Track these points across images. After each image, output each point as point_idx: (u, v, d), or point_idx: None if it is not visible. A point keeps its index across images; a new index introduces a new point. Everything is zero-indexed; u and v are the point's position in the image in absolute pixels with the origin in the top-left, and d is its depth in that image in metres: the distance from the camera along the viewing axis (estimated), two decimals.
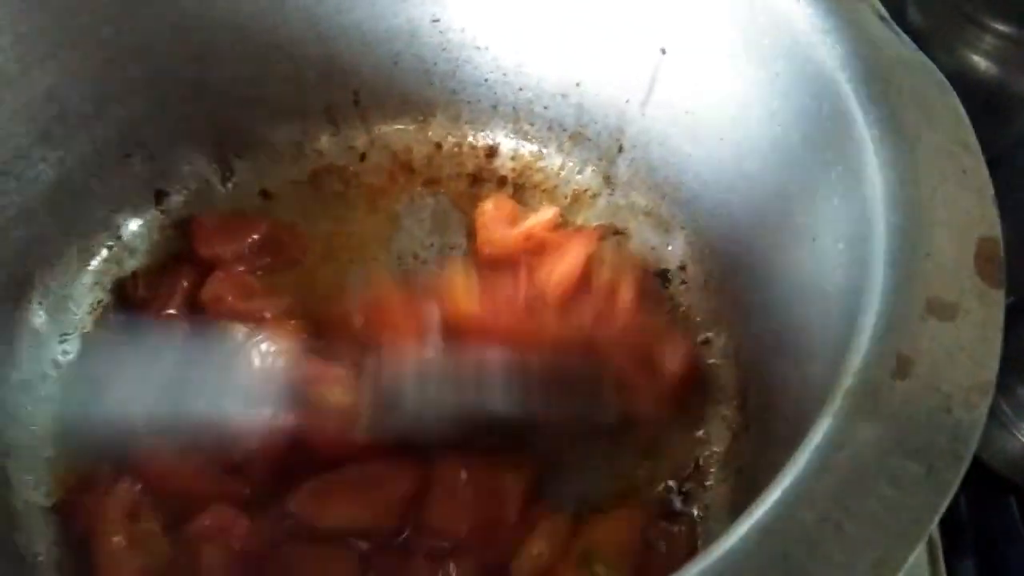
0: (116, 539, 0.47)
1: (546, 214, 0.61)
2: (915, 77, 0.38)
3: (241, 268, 0.57)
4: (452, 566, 0.46)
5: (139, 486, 0.48)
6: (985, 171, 0.34)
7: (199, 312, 0.55)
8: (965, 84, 0.62)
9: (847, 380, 0.29)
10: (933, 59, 0.63)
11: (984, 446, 0.58)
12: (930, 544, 0.50)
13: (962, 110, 0.37)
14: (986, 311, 0.31)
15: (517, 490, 0.48)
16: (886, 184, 0.34)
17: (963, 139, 0.35)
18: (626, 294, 0.55)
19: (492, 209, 0.61)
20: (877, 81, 0.38)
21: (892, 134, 0.36)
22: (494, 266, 0.58)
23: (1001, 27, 0.59)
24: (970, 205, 0.34)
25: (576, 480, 0.50)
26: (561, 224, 0.61)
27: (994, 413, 0.55)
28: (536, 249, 0.58)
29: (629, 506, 0.49)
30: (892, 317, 0.30)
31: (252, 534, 0.47)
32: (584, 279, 0.56)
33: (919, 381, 0.29)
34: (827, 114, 0.40)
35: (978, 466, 0.58)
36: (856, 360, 0.30)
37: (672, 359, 0.52)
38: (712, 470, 0.51)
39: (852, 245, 0.36)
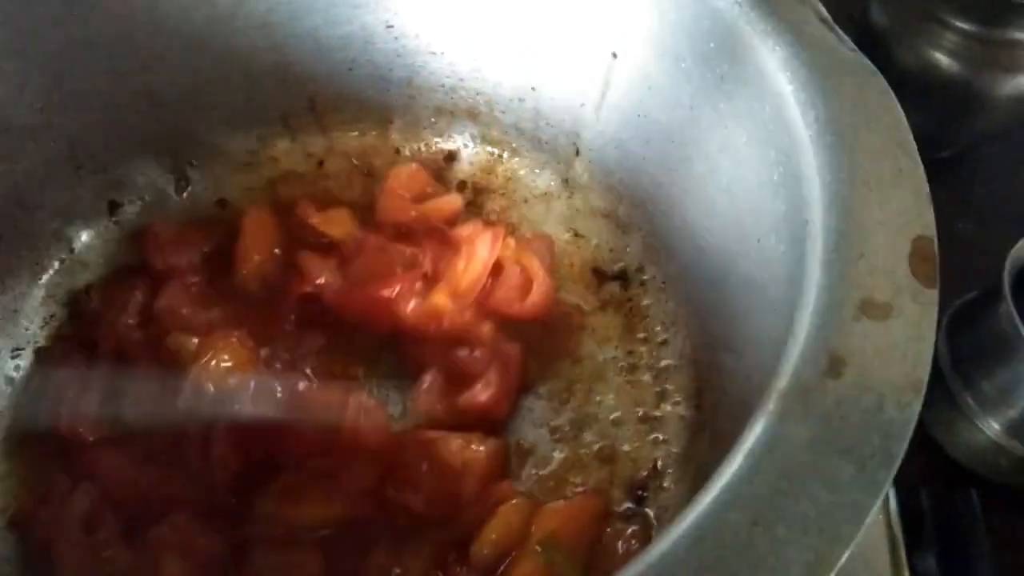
0: (75, 550, 0.46)
1: (449, 200, 0.61)
2: (854, 79, 0.38)
3: (195, 279, 0.56)
4: (412, 552, 0.47)
5: (96, 495, 0.48)
6: (921, 171, 0.35)
7: (153, 323, 0.55)
8: (928, 82, 0.63)
9: (781, 381, 0.29)
10: (896, 57, 0.64)
11: (948, 439, 0.58)
12: (891, 538, 0.50)
13: (900, 111, 0.37)
14: (920, 310, 0.31)
15: (477, 467, 0.49)
16: (823, 185, 0.35)
17: (900, 140, 0.36)
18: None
19: (404, 178, 0.61)
20: (816, 83, 0.38)
21: (829, 135, 0.36)
22: (390, 234, 0.58)
23: (963, 25, 0.60)
24: (906, 205, 0.34)
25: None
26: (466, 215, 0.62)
27: (958, 406, 0.56)
28: (437, 236, 0.58)
29: (588, 495, 0.49)
30: (825, 318, 0.31)
31: (213, 541, 0.47)
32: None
33: (851, 381, 0.29)
34: (769, 115, 0.40)
35: (939, 459, 0.59)
36: (790, 361, 0.30)
37: None
38: (670, 470, 0.51)
39: (792, 246, 0.36)
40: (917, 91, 0.62)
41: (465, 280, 0.55)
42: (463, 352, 0.54)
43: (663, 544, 0.26)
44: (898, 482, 0.50)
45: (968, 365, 0.56)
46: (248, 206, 0.60)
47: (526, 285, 0.56)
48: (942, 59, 0.62)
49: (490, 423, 0.53)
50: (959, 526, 0.55)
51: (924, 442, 0.59)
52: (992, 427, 0.55)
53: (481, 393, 0.52)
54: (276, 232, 0.59)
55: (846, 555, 0.26)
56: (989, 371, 0.55)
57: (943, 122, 0.67)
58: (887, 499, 0.50)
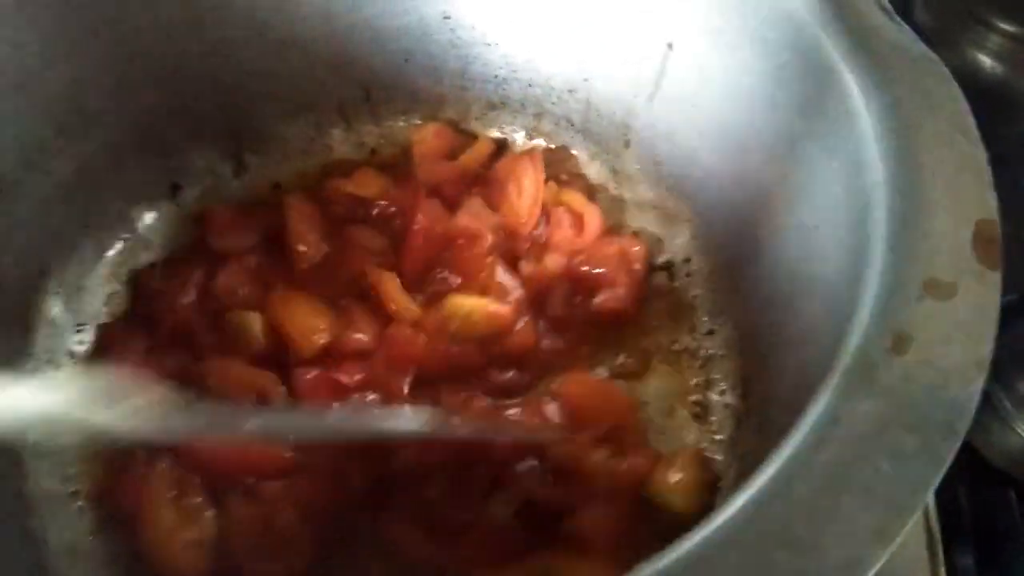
0: (165, 517, 0.48)
1: (481, 146, 0.63)
2: (915, 66, 0.39)
3: (252, 259, 0.58)
4: None
5: (177, 463, 0.49)
6: (983, 156, 0.35)
7: (211, 302, 0.56)
8: (971, 83, 0.62)
9: (845, 358, 0.30)
10: (940, 58, 0.64)
11: (984, 441, 0.58)
12: (930, 538, 0.50)
13: (962, 98, 0.38)
14: (983, 291, 0.31)
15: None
16: (886, 171, 0.35)
17: (962, 126, 0.36)
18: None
19: (431, 138, 0.63)
20: (878, 70, 0.38)
21: (892, 122, 0.36)
22: (437, 194, 0.60)
23: (1007, 26, 0.60)
24: (968, 189, 0.34)
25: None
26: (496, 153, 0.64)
27: (995, 408, 0.56)
28: (478, 181, 0.61)
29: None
30: (890, 297, 0.31)
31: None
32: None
33: (916, 358, 0.29)
34: (830, 103, 0.40)
35: (978, 460, 0.59)
36: (854, 339, 0.30)
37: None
38: (717, 458, 0.51)
39: (852, 231, 0.36)
40: None
41: (524, 208, 0.58)
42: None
43: (729, 509, 0.27)
44: None
45: (1005, 367, 0.56)
46: (285, 195, 0.61)
47: (577, 220, 0.59)
48: (985, 60, 0.62)
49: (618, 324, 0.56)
50: (996, 524, 0.54)
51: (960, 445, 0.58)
52: None
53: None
54: (319, 213, 0.60)
55: (910, 524, 0.26)
56: None
57: (986, 124, 0.67)
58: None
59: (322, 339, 0.53)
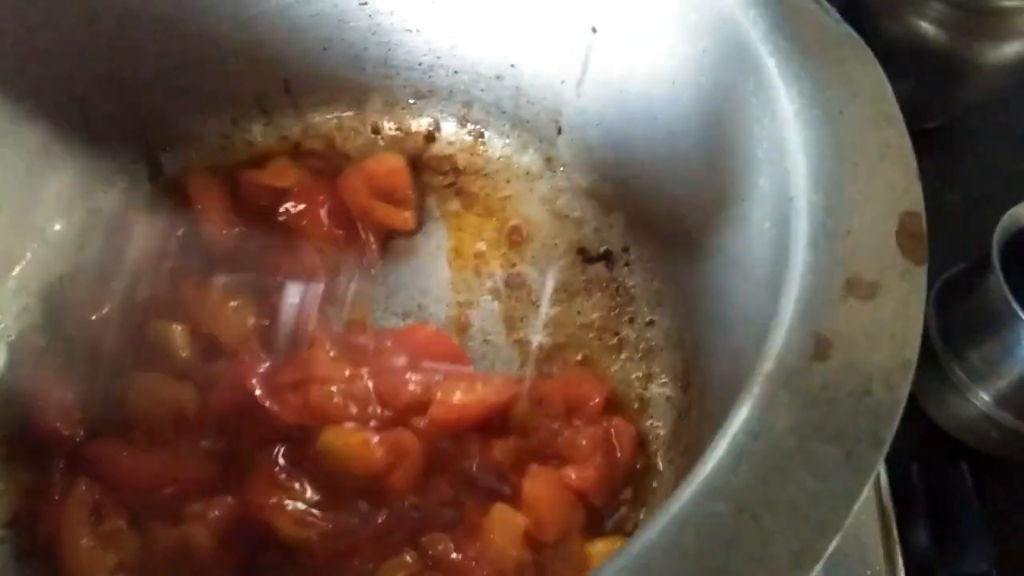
0: (84, 541, 0.46)
1: (403, 218, 0.59)
2: (839, 50, 0.37)
3: (170, 264, 0.55)
4: None
5: (96, 488, 0.47)
6: (908, 145, 0.34)
7: (133, 314, 0.54)
8: (915, 51, 0.62)
9: (766, 364, 0.28)
10: (882, 27, 0.63)
11: (938, 411, 0.58)
12: (882, 512, 0.50)
13: (886, 83, 0.36)
14: (908, 288, 0.30)
15: None
16: (808, 160, 0.34)
17: (887, 112, 0.35)
18: None
19: (382, 169, 0.60)
20: (799, 54, 0.37)
21: (814, 108, 0.35)
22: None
23: None
24: (893, 180, 0.33)
25: None
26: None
27: (947, 378, 0.56)
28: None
29: None
30: (811, 297, 0.30)
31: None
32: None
33: (838, 363, 0.28)
34: (752, 89, 0.39)
35: (930, 432, 0.59)
36: (775, 343, 0.29)
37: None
38: (659, 452, 0.50)
39: (777, 224, 0.35)
40: (904, 61, 0.61)
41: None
42: None
43: (645, 535, 0.25)
44: (888, 456, 0.49)
45: (957, 337, 0.56)
46: (187, 174, 0.59)
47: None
48: (928, 28, 0.61)
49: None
50: (951, 499, 0.54)
51: (914, 415, 0.59)
52: (982, 398, 0.55)
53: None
54: (229, 195, 0.58)
55: (834, 543, 0.25)
56: (978, 343, 0.55)
57: (930, 92, 0.66)
58: (877, 474, 0.50)
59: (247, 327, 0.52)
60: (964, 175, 0.72)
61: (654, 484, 0.49)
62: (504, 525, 0.44)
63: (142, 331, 0.53)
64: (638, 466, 0.50)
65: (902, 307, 0.30)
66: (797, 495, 0.26)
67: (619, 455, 0.48)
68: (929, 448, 0.59)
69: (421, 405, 0.49)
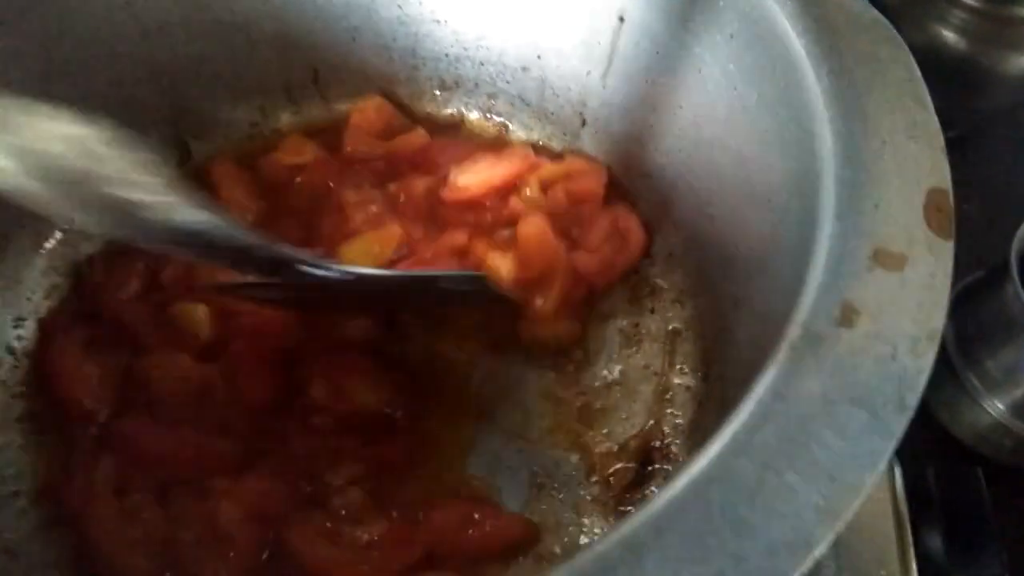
0: (110, 517, 0.46)
1: (416, 136, 0.61)
2: (866, 32, 0.38)
3: None
4: None
5: (122, 462, 0.48)
6: (936, 123, 0.34)
7: (158, 294, 0.54)
8: (935, 59, 0.62)
9: (793, 331, 0.29)
10: (903, 33, 0.63)
11: (953, 419, 0.58)
12: (897, 516, 0.49)
13: (914, 64, 0.37)
14: (935, 261, 0.30)
15: None
16: (836, 138, 0.34)
17: (914, 92, 0.35)
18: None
19: (370, 112, 0.62)
20: (827, 36, 0.37)
21: (842, 88, 0.35)
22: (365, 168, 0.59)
23: (970, 1, 0.59)
24: (920, 156, 0.33)
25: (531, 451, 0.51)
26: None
27: (962, 385, 0.55)
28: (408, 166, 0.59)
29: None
30: (838, 267, 0.30)
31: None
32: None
33: (864, 330, 0.28)
34: (780, 72, 0.39)
35: (946, 439, 0.58)
36: (802, 312, 0.29)
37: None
38: (677, 440, 0.50)
39: (802, 201, 0.35)
40: (924, 68, 0.61)
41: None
42: None
43: (672, 490, 0.26)
44: (904, 461, 0.49)
45: (973, 345, 0.55)
46: (212, 162, 0.60)
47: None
48: (949, 36, 0.61)
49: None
50: (965, 505, 0.54)
51: (928, 423, 0.58)
52: (997, 407, 0.55)
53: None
54: (252, 179, 0.59)
55: (858, 503, 0.25)
56: (994, 351, 0.54)
57: (950, 100, 0.65)
58: (893, 477, 0.50)
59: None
60: (982, 185, 0.72)
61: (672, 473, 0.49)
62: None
63: (167, 311, 0.53)
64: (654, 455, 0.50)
65: (928, 278, 0.30)
66: (822, 454, 0.26)
67: (625, 245, 0.55)
68: (943, 455, 0.58)
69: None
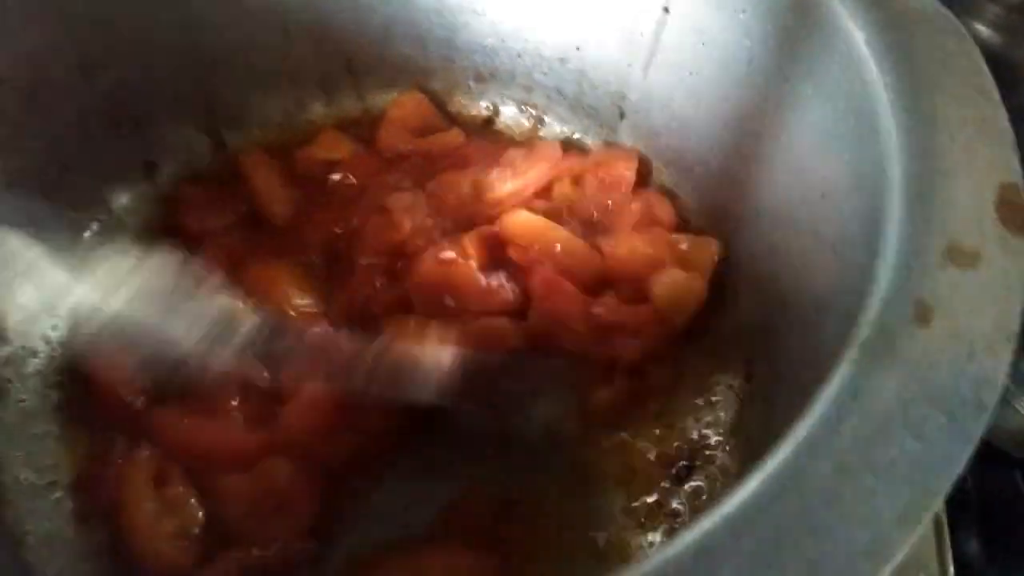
0: (147, 506, 0.46)
1: (451, 135, 0.60)
2: (930, 25, 0.37)
3: (231, 239, 0.56)
4: None
5: (159, 453, 0.47)
6: (1005, 117, 0.33)
7: None
8: None
9: (864, 330, 0.28)
10: None
11: None
12: (935, 520, 0.48)
13: (980, 57, 0.36)
14: (1009, 258, 0.29)
15: None
16: (902, 132, 0.33)
17: (981, 86, 0.34)
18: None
19: (409, 107, 0.61)
20: (891, 30, 0.36)
21: (908, 82, 0.34)
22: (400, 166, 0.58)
23: None
24: (990, 151, 0.32)
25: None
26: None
27: None
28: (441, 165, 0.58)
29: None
30: (910, 266, 0.29)
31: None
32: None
33: (940, 329, 0.27)
34: (839, 66, 0.38)
35: (983, 441, 0.57)
36: (873, 310, 0.28)
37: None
38: (720, 440, 0.50)
39: (865, 199, 0.34)
40: None
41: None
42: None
43: (742, 494, 0.25)
44: None
45: None
46: (239, 154, 0.60)
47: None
48: (983, 31, 0.60)
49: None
50: (1004, 508, 0.53)
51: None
52: None
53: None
54: (287, 171, 0.59)
55: (937, 505, 0.25)
56: None
57: None
58: None
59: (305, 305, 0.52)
60: None
61: (715, 473, 0.48)
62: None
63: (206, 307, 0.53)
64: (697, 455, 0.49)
65: (1003, 276, 0.29)
66: (899, 457, 0.25)
67: (660, 224, 0.54)
68: (981, 457, 0.57)
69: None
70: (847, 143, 0.37)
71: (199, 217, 0.57)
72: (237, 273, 0.54)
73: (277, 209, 0.57)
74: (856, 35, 0.37)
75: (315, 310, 0.52)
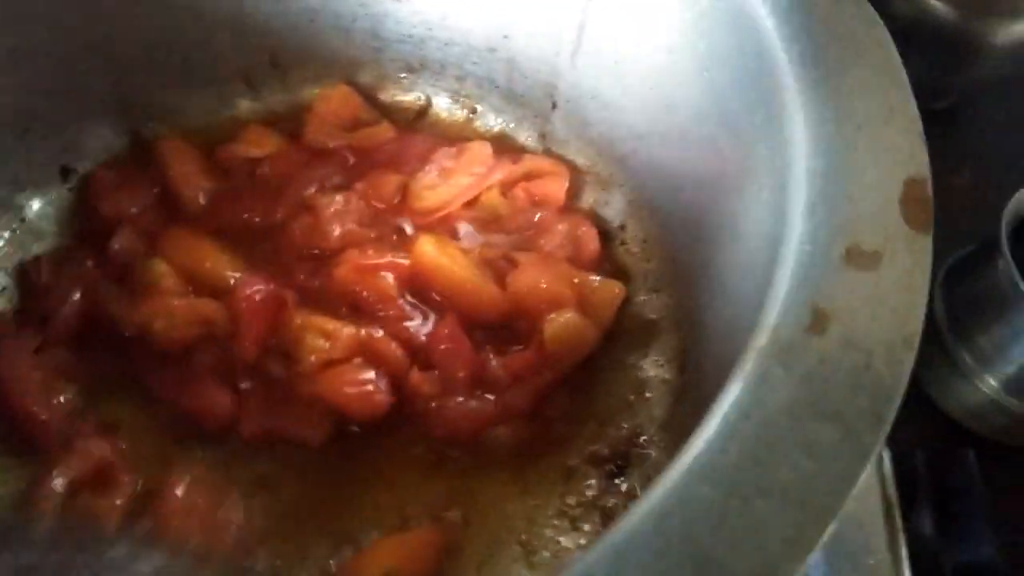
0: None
1: (380, 130, 0.58)
2: (840, 10, 0.35)
3: (146, 220, 0.54)
4: None
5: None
6: (914, 108, 0.32)
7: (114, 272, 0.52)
8: (923, 29, 0.60)
9: (760, 338, 0.27)
10: (890, 2, 0.61)
11: (944, 396, 0.57)
12: (886, 500, 0.48)
13: (891, 44, 0.34)
14: (912, 258, 0.28)
15: None
16: (807, 124, 0.32)
17: (891, 74, 0.33)
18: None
19: (336, 101, 0.59)
20: (798, 14, 0.35)
21: (814, 71, 0.33)
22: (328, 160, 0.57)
23: None
24: (898, 144, 0.31)
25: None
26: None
27: (955, 363, 0.54)
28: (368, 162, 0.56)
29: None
30: (808, 268, 0.28)
31: None
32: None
33: (836, 337, 0.26)
34: (751, 53, 0.37)
35: (935, 417, 0.57)
36: (769, 316, 0.27)
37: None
38: (654, 437, 0.49)
39: (774, 193, 0.33)
40: (912, 39, 0.59)
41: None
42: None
43: (628, 521, 0.24)
44: (892, 443, 0.47)
45: (964, 321, 0.54)
46: (157, 140, 0.58)
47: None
48: (938, 5, 0.59)
49: None
50: (956, 487, 0.53)
51: (919, 400, 0.57)
52: (989, 384, 0.54)
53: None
54: (202, 156, 0.57)
55: (830, 530, 0.23)
56: (986, 327, 0.53)
57: (939, 71, 0.64)
58: (881, 460, 0.48)
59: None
60: (972, 157, 0.70)
61: (648, 470, 0.47)
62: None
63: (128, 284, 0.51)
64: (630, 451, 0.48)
65: (905, 278, 0.28)
66: (791, 477, 0.24)
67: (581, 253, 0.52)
68: (935, 434, 0.57)
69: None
70: (760, 136, 0.36)
71: (114, 201, 0.55)
72: (156, 247, 0.52)
73: (192, 193, 0.55)
74: (766, 22, 0.36)
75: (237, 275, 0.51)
